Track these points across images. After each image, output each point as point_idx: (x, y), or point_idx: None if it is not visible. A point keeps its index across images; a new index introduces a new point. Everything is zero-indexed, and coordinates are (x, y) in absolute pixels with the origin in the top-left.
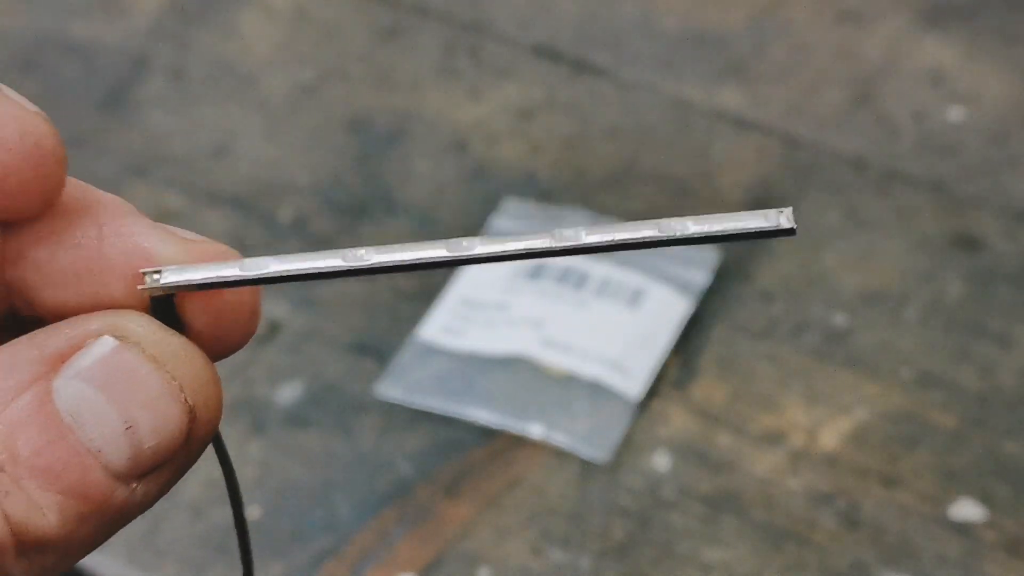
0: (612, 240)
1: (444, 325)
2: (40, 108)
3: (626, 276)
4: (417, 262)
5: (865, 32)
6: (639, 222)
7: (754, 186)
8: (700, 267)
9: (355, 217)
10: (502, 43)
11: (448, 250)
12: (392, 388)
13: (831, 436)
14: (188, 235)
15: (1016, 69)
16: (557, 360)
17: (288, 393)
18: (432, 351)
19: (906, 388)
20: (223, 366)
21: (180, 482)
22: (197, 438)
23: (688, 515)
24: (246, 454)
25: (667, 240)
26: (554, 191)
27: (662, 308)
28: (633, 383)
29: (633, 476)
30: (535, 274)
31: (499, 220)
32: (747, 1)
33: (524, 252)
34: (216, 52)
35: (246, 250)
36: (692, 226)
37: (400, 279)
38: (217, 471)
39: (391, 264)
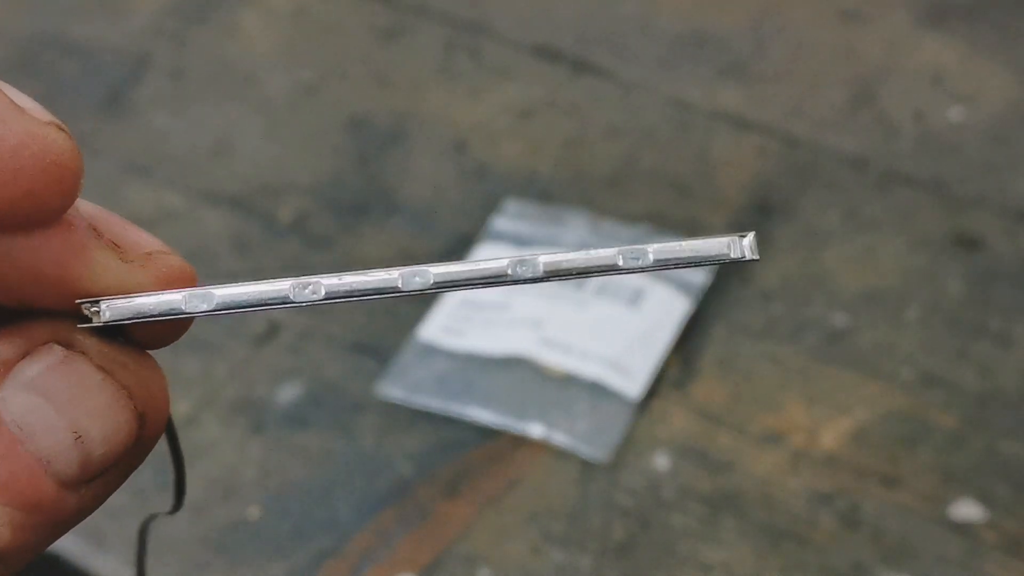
0: (570, 267)
1: (444, 325)
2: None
3: (626, 276)
4: (372, 289)
5: (865, 32)
6: (599, 250)
7: (754, 186)
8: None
9: (355, 217)
10: (502, 43)
11: (402, 279)
12: (392, 388)
13: (831, 436)
14: (143, 241)
15: (1016, 69)
16: (557, 360)
17: (288, 393)
18: (432, 351)
19: (906, 388)
20: (223, 366)
21: None
22: (146, 441)
23: (688, 515)
24: (246, 454)
25: (627, 269)
26: (554, 191)
27: (662, 308)
28: (633, 383)
29: (633, 476)
30: None
31: (499, 220)
32: (747, 1)
33: (478, 279)
34: (216, 52)
35: (246, 249)
36: (652, 254)
37: None
38: (217, 471)
39: (345, 291)
